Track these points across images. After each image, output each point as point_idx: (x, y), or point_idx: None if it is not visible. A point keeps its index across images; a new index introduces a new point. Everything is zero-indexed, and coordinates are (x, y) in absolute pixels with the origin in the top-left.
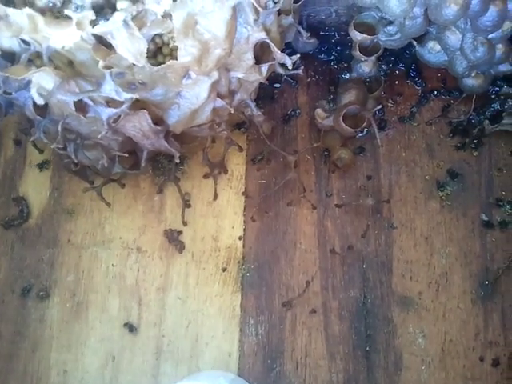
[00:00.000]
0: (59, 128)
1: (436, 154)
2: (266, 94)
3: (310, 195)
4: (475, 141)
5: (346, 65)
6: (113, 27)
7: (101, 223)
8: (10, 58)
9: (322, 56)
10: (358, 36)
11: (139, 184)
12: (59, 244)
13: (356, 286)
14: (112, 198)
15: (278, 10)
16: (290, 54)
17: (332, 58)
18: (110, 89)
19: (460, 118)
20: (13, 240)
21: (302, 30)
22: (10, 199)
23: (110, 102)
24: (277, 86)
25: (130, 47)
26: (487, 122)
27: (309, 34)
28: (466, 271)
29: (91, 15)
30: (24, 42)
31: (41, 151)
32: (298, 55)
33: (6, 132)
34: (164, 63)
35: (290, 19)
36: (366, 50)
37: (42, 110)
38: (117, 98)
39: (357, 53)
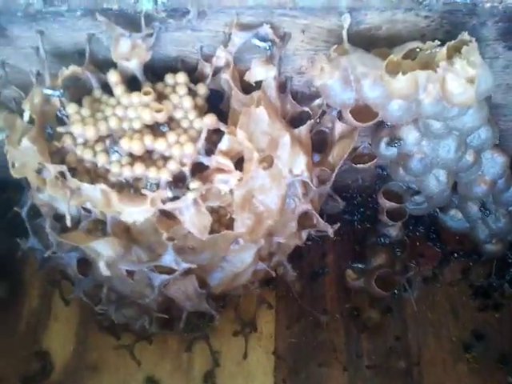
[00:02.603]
0: (104, 290)
1: (460, 315)
2: (294, 252)
3: (341, 355)
4: (496, 303)
5: (368, 225)
6: (183, 205)
7: (126, 381)
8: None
9: (346, 216)
10: (386, 204)
11: (167, 340)
12: None
13: None
14: (139, 354)
15: None
16: None
17: (355, 218)
18: (170, 260)
19: (481, 282)
20: None
21: (339, 199)
22: (32, 353)
23: (159, 268)
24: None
25: (196, 222)
26: (507, 285)
27: (344, 203)
28: None
29: (165, 193)
30: (85, 208)
31: (67, 303)
32: (339, 224)
33: (32, 283)
34: (214, 228)
35: (327, 189)
36: (392, 215)
37: (85, 269)
38: (176, 267)
39: (384, 218)
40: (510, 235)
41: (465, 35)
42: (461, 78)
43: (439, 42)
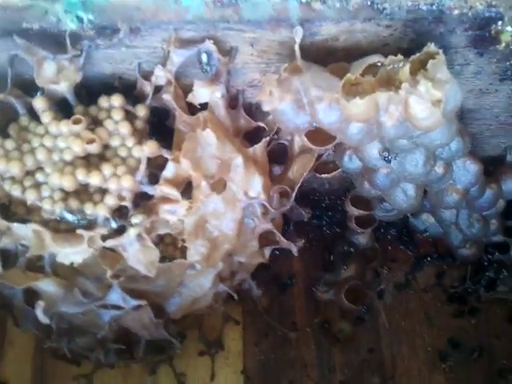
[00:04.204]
0: (53, 324)
1: (435, 323)
2: (260, 264)
3: (312, 371)
4: (472, 308)
5: (337, 230)
6: (126, 241)
7: None
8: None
9: (314, 221)
10: (354, 211)
11: (129, 364)
12: None
13: None
14: (101, 380)
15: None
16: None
17: (324, 222)
18: (117, 298)
19: (455, 286)
20: None
21: (303, 212)
22: None
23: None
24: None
25: (142, 258)
26: (483, 289)
27: (309, 214)
28: None
29: (105, 230)
30: (22, 244)
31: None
32: (303, 241)
33: None
34: (167, 254)
35: (291, 202)
36: (361, 222)
37: (33, 299)
38: (124, 306)
39: (353, 225)
40: (485, 239)
41: (431, 47)
42: (426, 101)
43: (402, 57)
